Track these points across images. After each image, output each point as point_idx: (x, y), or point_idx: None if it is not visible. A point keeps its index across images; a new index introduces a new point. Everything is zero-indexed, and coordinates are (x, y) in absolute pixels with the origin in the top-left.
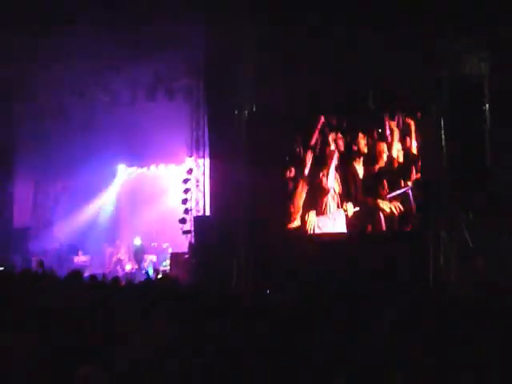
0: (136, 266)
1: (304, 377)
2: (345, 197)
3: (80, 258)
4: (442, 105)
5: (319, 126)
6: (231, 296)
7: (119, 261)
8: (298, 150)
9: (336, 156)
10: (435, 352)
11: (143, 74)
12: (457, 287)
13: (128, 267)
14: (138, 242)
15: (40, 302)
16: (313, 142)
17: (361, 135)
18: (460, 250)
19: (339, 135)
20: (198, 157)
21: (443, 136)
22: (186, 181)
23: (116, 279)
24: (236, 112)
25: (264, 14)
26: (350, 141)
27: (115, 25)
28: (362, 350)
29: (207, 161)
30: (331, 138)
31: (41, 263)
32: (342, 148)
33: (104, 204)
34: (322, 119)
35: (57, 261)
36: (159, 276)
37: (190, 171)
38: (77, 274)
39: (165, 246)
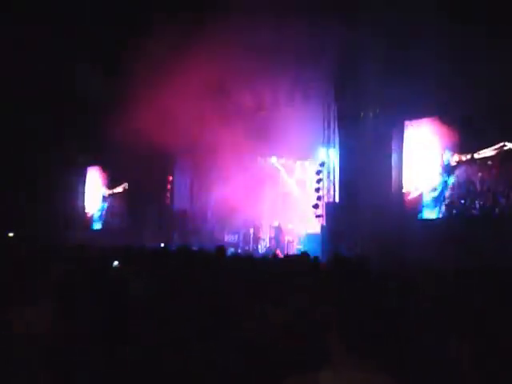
0: (274, 244)
1: None
2: None
3: (229, 237)
4: None
5: None
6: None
7: (259, 239)
8: None
9: None
10: None
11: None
12: None
13: (267, 244)
14: (276, 223)
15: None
16: None
17: None
18: None
19: None
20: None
21: None
22: (318, 172)
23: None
24: (362, 114)
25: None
26: None
27: None
28: None
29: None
30: None
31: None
32: None
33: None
34: None
35: (209, 240)
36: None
37: (322, 164)
38: (221, 249)
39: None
